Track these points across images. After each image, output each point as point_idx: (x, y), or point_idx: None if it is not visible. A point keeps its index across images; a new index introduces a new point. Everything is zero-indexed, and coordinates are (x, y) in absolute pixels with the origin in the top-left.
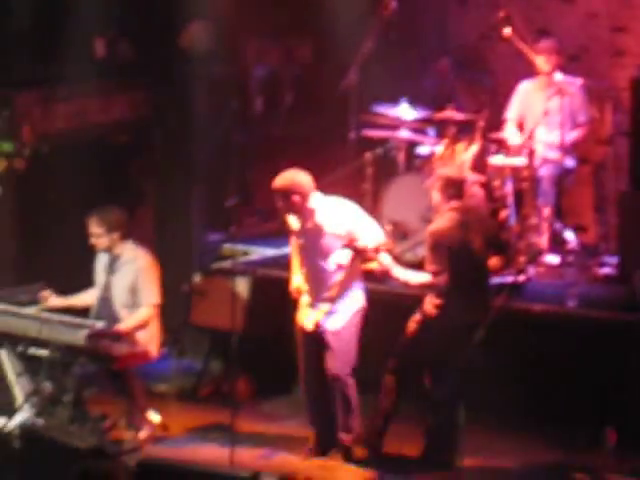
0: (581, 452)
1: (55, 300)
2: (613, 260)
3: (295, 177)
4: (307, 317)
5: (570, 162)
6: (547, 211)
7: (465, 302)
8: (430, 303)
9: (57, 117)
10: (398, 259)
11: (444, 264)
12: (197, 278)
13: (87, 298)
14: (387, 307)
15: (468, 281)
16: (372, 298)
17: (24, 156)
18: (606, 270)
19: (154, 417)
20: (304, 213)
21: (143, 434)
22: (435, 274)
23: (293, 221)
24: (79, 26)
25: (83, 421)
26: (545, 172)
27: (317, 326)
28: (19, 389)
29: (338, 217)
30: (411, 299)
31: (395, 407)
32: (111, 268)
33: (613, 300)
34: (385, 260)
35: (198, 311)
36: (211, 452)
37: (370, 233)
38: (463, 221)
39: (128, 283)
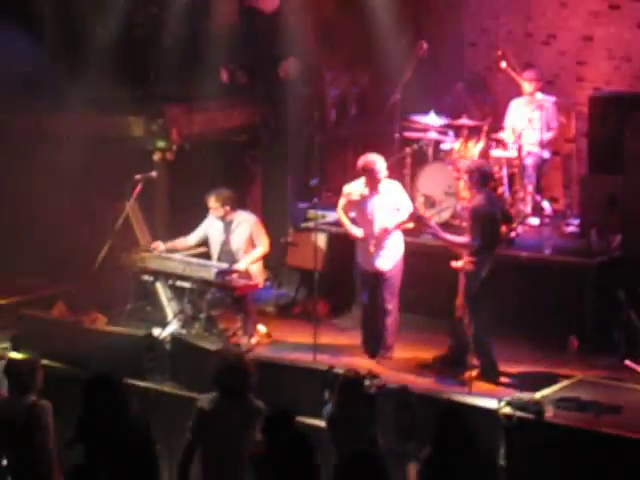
0: (553, 353)
1: (163, 246)
2: (576, 222)
3: (371, 159)
4: (366, 261)
5: (546, 154)
6: (530, 188)
7: (490, 256)
8: (468, 261)
9: (195, 123)
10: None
11: (479, 231)
12: (291, 233)
13: (185, 242)
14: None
15: (493, 242)
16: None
17: (172, 150)
18: (571, 228)
19: (261, 328)
20: (374, 185)
21: (254, 340)
22: (473, 238)
23: (359, 190)
24: (210, 60)
25: (213, 331)
26: (529, 161)
27: (373, 267)
28: (169, 310)
29: (393, 192)
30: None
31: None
32: (227, 230)
33: (575, 249)
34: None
35: (291, 256)
36: (299, 354)
37: (408, 206)
38: (491, 200)
39: (246, 236)
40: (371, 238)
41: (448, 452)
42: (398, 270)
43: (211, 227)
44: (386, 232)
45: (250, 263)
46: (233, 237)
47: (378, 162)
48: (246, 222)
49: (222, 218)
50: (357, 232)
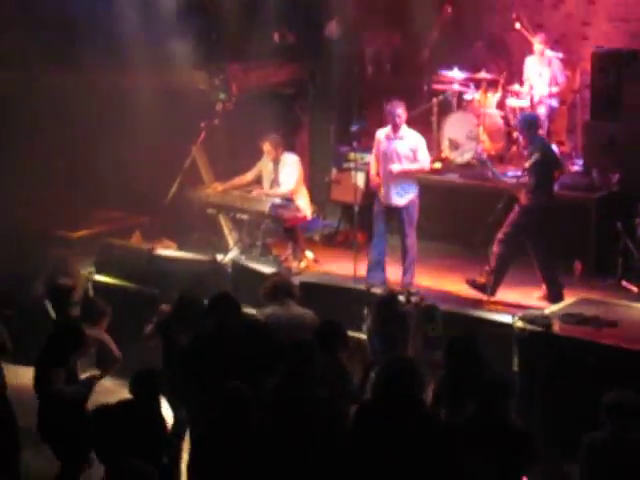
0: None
1: (221, 187)
2: (580, 161)
3: (393, 104)
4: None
5: (555, 103)
6: (541, 132)
7: (545, 194)
8: (525, 197)
9: (251, 79)
10: (451, 162)
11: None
12: (334, 172)
13: (243, 179)
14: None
15: (546, 182)
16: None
17: (232, 101)
18: (576, 167)
19: (309, 254)
20: (398, 128)
21: (304, 264)
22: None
23: (384, 132)
24: (264, 24)
25: (268, 257)
26: (540, 110)
27: (390, 201)
28: (230, 238)
29: (412, 138)
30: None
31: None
32: (277, 168)
33: (580, 185)
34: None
35: (335, 192)
36: (342, 277)
37: (424, 155)
38: (544, 146)
39: (288, 172)
40: (388, 175)
41: (459, 374)
42: (413, 206)
43: (264, 167)
44: (401, 172)
45: (275, 196)
46: (281, 174)
47: (398, 108)
48: (289, 162)
49: (273, 160)
50: (372, 178)
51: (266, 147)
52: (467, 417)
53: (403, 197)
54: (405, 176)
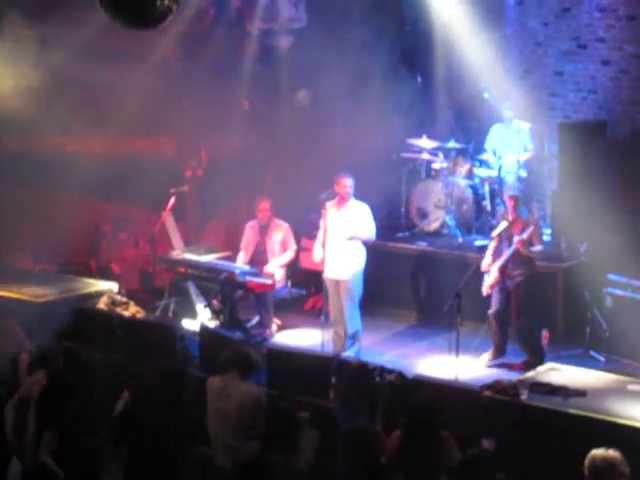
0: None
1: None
2: (548, 230)
3: (342, 176)
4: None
5: (523, 173)
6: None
7: None
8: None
9: (222, 145)
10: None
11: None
12: (303, 240)
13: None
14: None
15: None
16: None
17: (202, 167)
18: (544, 237)
19: (277, 321)
20: (345, 200)
21: (271, 331)
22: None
23: (333, 203)
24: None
25: (236, 323)
26: (509, 179)
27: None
28: (198, 305)
29: (359, 210)
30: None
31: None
32: (263, 233)
33: (549, 254)
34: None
35: (303, 259)
36: (310, 344)
37: (372, 226)
38: None
39: (280, 239)
40: (334, 247)
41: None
42: (357, 280)
43: (249, 230)
44: (349, 242)
45: (280, 265)
46: (269, 239)
47: (346, 179)
48: (281, 227)
49: (263, 220)
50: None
51: (263, 206)
52: None
53: (348, 270)
54: (352, 250)
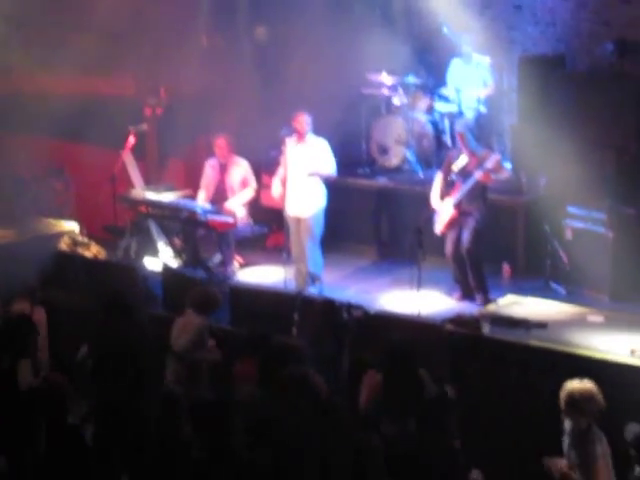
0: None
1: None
2: (509, 166)
3: (299, 114)
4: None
5: (483, 108)
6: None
7: None
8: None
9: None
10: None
11: None
12: (263, 177)
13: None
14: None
15: None
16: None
17: (161, 106)
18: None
19: (239, 259)
20: (304, 136)
21: (233, 269)
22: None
23: (291, 141)
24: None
25: (198, 262)
26: (469, 114)
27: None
28: (160, 244)
29: (319, 145)
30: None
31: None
32: (223, 171)
33: (508, 188)
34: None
35: (264, 197)
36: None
37: (331, 162)
38: None
39: (240, 178)
40: (293, 184)
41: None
42: (318, 217)
43: (209, 168)
44: (307, 178)
45: (240, 203)
46: (229, 177)
47: (303, 116)
48: (240, 165)
49: (222, 158)
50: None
51: (220, 142)
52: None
53: (308, 208)
54: (312, 187)
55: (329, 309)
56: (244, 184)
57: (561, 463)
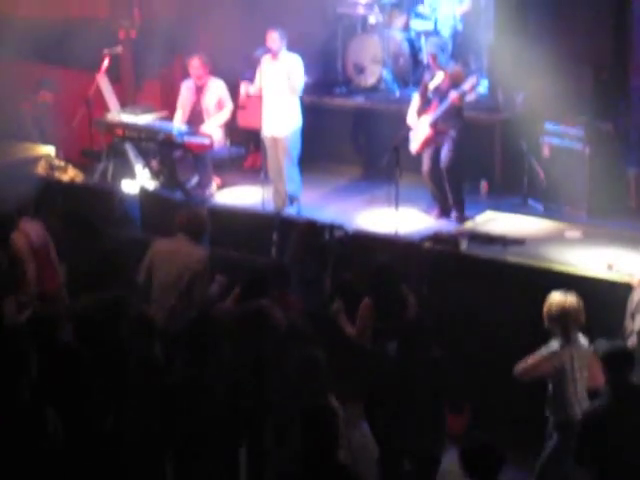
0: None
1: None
2: (485, 82)
3: (276, 30)
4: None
5: (460, 26)
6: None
7: None
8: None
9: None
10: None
11: None
12: (240, 98)
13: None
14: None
15: None
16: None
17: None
18: (481, 88)
19: (216, 180)
20: (277, 53)
21: (211, 191)
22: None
23: (267, 62)
24: None
25: (175, 184)
26: (445, 32)
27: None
28: (137, 167)
29: (292, 62)
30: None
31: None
32: (199, 92)
33: (485, 106)
34: None
35: (241, 118)
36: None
37: (300, 79)
38: None
39: (216, 99)
40: (269, 103)
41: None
42: (295, 137)
43: (185, 89)
44: (282, 97)
45: (217, 125)
46: (204, 99)
47: (275, 32)
48: (216, 86)
49: (198, 79)
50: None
51: (194, 63)
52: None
53: (284, 127)
54: (288, 106)
55: (311, 231)
56: (220, 105)
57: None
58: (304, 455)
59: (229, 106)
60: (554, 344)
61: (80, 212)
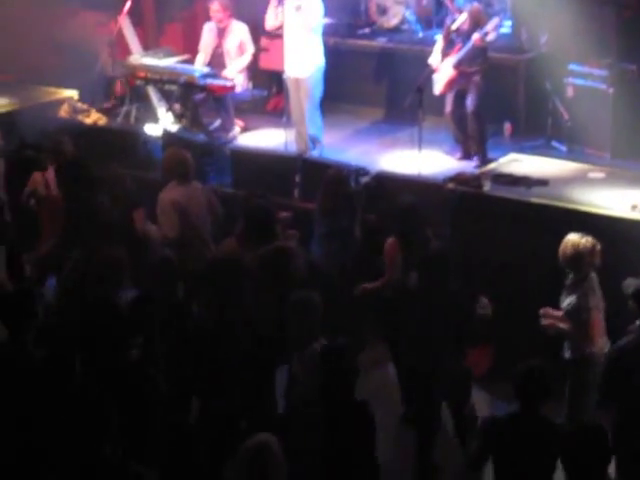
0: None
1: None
2: (509, 22)
3: None
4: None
5: None
6: None
7: None
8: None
9: None
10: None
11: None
12: (262, 40)
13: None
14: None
15: None
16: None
17: None
18: (504, 29)
19: (239, 123)
20: None
21: (234, 133)
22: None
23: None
24: None
25: (198, 127)
26: None
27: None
28: (160, 110)
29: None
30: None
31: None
32: (221, 35)
33: (509, 46)
34: None
35: (263, 60)
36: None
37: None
38: None
39: (237, 42)
40: (291, 43)
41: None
42: (317, 79)
43: (207, 32)
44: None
45: (239, 70)
46: (226, 42)
47: None
48: (238, 29)
49: (219, 22)
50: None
51: (214, 6)
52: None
53: (307, 68)
54: (310, 46)
55: (338, 180)
56: (241, 48)
57: (556, 314)
58: (322, 391)
59: (250, 50)
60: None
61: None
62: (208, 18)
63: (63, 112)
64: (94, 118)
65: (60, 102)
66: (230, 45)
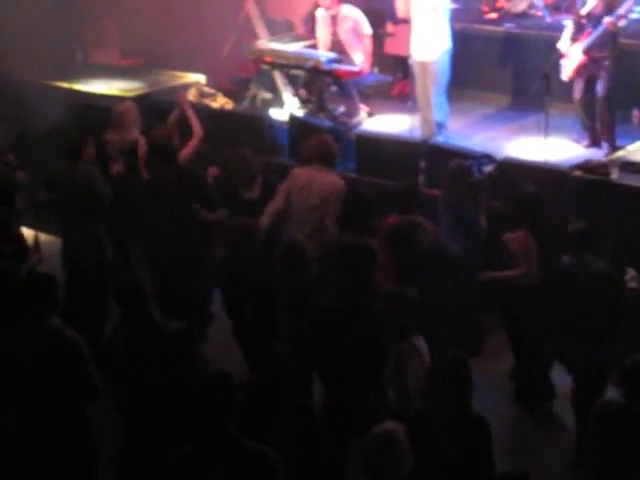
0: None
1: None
2: None
3: None
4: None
5: None
6: None
7: None
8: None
9: None
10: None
11: None
12: (388, 25)
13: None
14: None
15: None
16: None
17: None
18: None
19: (365, 108)
20: None
21: (360, 118)
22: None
23: None
24: None
25: (324, 111)
26: None
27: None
28: (286, 95)
29: None
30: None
31: None
32: (334, 22)
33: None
34: None
35: (389, 45)
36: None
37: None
38: None
39: (349, 28)
40: (417, 25)
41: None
42: (444, 63)
43: (319, 19)
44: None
45: (362, 61)
46: (339, 28)
47: None
48: (349, 13)
49: (328, 9)
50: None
51: None
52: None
53: (434, 51)
54: (438, 29)
55: (462, 171)
56: (356, 33)
57: None
58: (339, 287)
59: (367, 32)
60: None
61: None
62: None
63: (190, 96)
64: (221, 102)
65: (187, 86)
66: (344, 31)
